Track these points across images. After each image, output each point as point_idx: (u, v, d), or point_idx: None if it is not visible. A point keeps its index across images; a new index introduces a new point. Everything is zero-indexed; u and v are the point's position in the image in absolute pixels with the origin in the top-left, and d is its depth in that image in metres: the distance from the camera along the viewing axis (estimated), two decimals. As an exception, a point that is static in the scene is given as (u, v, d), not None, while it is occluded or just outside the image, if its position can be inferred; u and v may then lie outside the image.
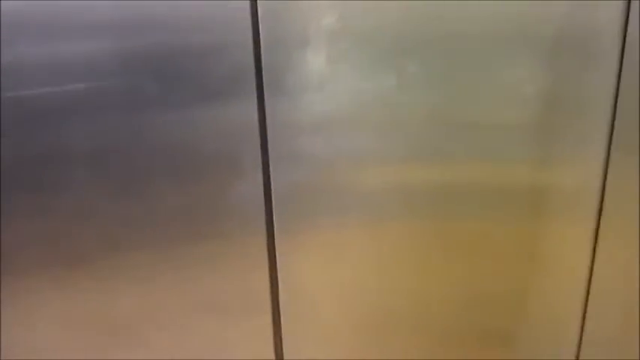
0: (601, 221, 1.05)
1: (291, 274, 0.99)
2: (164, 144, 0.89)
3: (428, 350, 1.09)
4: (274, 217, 0.95)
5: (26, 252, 0.91)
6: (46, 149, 0.86)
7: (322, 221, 0.98)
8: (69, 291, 0.93)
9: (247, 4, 0.83)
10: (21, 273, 0.91)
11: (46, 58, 0.82)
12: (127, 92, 0.85)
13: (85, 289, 0.94)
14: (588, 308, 1.11)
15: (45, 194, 0.88)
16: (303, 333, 1.03)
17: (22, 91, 0.83)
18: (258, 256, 0.96)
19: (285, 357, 1.03)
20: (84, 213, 0.89)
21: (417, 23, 0.89)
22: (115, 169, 0.88)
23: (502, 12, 0.90)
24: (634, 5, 0.90)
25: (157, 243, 0.93)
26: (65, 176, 0.87)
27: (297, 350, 1.03)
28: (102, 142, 0.87)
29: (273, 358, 1.03)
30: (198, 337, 0.99)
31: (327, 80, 0.90)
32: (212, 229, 0.94)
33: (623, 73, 0.95)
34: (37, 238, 0.90)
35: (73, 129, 0.86)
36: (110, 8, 0.81)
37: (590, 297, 1.10)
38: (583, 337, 1.13)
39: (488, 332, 1.11)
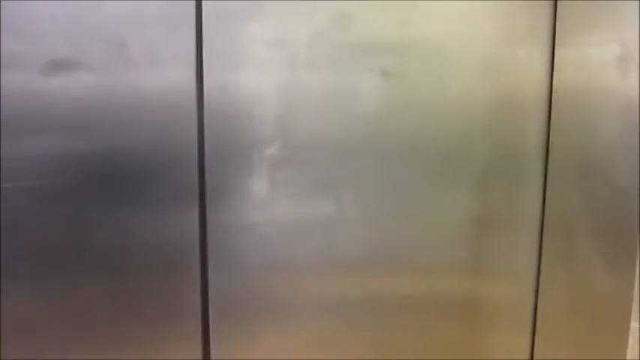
0: (536, 331, 1.08)
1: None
2: (105, 245, 0.90)
3: None
4: (210, 323, 0.96)
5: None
6: None
7: (258, 328, 0.99)
8: None
9: (195, 125, 0.89)
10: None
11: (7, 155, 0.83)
12: (71, 191, 0.87)
13: None
14: None
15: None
16: None
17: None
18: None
19: None
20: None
21: (354, 153, 0.96)
22: (55, 268, 0.89)
23: (434, 141, 0.98)
24: (554, 128, 0.99)
25: (92, 344, 0.92)
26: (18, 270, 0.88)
27: None
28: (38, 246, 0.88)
29: None
30: None
31: (268, 200, 0.95)
32: (150, 333, 0.95)
33: (548, 190, 1.02)
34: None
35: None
36: (60, 109, 0.84)
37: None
38: None
39: None
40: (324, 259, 0.99)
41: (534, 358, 1.10)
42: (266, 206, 0.95)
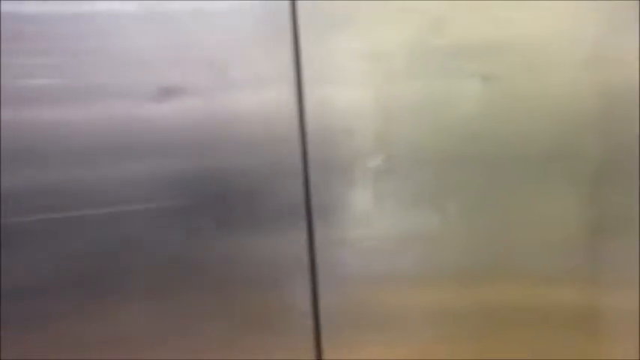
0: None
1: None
2: (211, 270, 0.92)
3: None
4: (321, 337, 0.96)
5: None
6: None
7: (367, 341, 0.98)
8: None
9: (298, 145, 0.90)
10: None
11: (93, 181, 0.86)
12: (182, 212, 0.89)
13: None
14: None
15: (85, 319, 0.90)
16: None
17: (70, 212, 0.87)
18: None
19: None
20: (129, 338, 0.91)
21: (455, 161, 0.95)
22: (163, 288, 0.91)
23: (534, 145, 0.96)
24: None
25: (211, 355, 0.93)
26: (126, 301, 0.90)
27: None
28: (156, 269, 0.91)
29: None
30: None
31: (373, 214, 0.95)
32: (264, 348, 0.95)
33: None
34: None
35: (126, 259, 0.90)
36: (169, 136, 0.87)
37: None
38: None
39: None
40: (430, 270, 0.98)
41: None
42: (370, 219, 0.95)
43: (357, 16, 0.89)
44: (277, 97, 0.88)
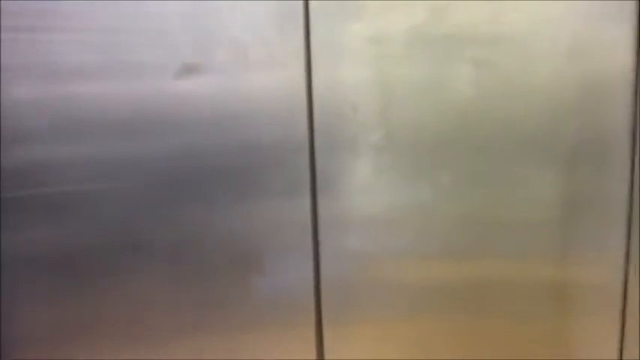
0: (626, 316, 1.10)
1: (337, 362, 1.04)
2: (223, 237, 0.98)
3: None
4: (323, 307, 1.03)
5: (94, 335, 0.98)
6: (117, 238, 0.95)
7: (367, 313, 1.05)
8: None
9: (305, 117, 0.96)
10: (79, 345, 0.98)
11: (117, 154, 0.92)
12: (193, 186, 0.95)
13: None
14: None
15: (112, 279, 0.96)
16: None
17: (93, 186, 0.93)
18: (308, 344, 1.03)
19: None
20: (152, 301, 0.98)
21: (450, 138, 1.01)
22: (177, 259, 0.97)
23: (525, 122, 1.02)
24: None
25: (215, 327, 1.00)
26: (143, 264, 0.97)
27: None
28: (173, 233, 0.97)
29: None
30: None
31: (372, 187, 1.01)
32: (265, 319, 1.01)
33: (635, 170, 1.03)
34: (101, 322, 0.98)
35: (147, 221, 0.96)
36: (185, 113, 0.93)
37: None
38: None
39: None
40: (424, 241, 1.04)
41: (624, 342, 1.11)
42: (371, 191, 1.00)
43: (364, 4, 0.95)
44: (289, 75, 0.94)
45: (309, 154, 0.97)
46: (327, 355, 1.03)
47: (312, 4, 0.94)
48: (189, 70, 0.90)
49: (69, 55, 0.88)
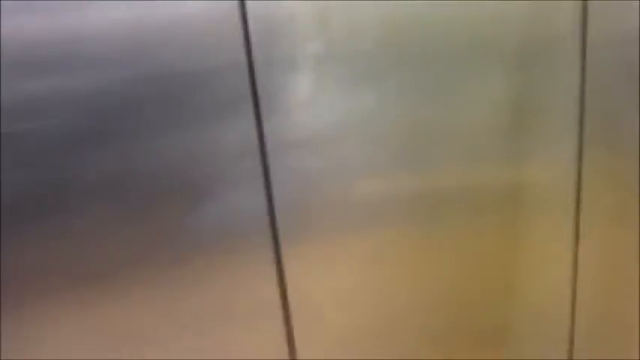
0: (580, 213, 1.12)
1: (298, 281, 1.05)
2: (167, 166, 0.95)
3: (427, 350, 1.15)
4: (278, 228, 1.02)
5: (34, 273, 0.94)
6: (54, 177, 0.91)
7: (322, 230, 1.04)
8: (81, 305, 0.97)
9: (240, 32, 0.91)
10: (27, 291, 0.95)
11: (45, 91, 0.87)
12: (128, 118, 0.91)
13: (97, 304, 0.97)
14: (577, 301, 1.17)
15: (55, 219, 0.93)
16: (313, 336, 1.08)
17: (23, 126, 0.88)
18: (267, 267, 1.02)
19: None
20: (101, 232, 0.95)
21: (393, 44, 0.98)
22: (120, 193, 0.94)
23: (470, 26, 1.00)
24: (591, 9, 0.99)
25: (167, 259, 0.98)
26: (83, 200, 0.93)
27: (310, 353, 1.08)
28: (113, 167, 0.93)
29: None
30: (212, 345, 1.04)
31: (316, 100, 0.98)
32: (221, 244, 1.00)
33: (586, 73, 1.03)
34: (46, 260, 0.94)
35: (78, 157, 0.92)
36: (108, 38, 0.87)
37: (577, 290, 1.17)
38: (574, 334, 1.18)
39: (481, 330, 1.17)
40: (371, 152, 1.03)
41: (579, 237, 1.13)
42: (314, 103, 0.98)
43: None
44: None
45: (247, 71, 0.92)
46: (287, 275, 1.04)
47: None
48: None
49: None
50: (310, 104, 0.98)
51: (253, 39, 0.92)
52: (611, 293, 1.14)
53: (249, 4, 0.90)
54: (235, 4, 0.89)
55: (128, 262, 0.96)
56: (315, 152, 1.00)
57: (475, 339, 1.17)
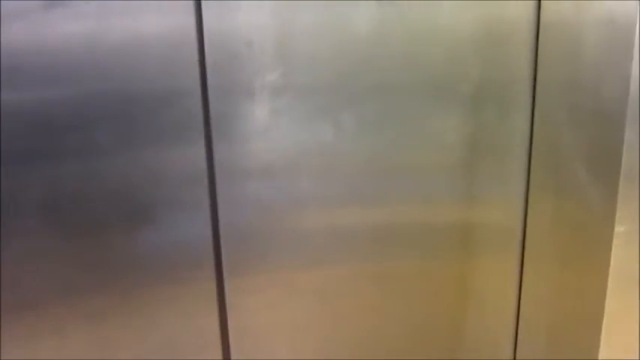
0: (525, 253, 1.13)
1: (240, 314, 1.02)
2: (111, 189, 0.92)
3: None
4: (223, 259, 0.99)
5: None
6: None
7: (269, 262, 1.02)
8: (22, 335, 0.93)
9: (196, 56, 0.89)
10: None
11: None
12: (73, 136, 0.88)
13: (38, 333, 0.94)
14: (519, 338, 1.18)
15: None
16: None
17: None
18: (209, 298, 0.99)
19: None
20: (36, 258, 0.90)
21: (351, 78, 0.98)
22: (67, 215, 0.90)
23: (426, 65, 1.01)
24: (542, 57, 1.02)
25: (109, 287, 0.94)
26: (18, 222, 0.89)
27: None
28: (54, 187, 0.89)
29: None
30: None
31: (271, 130, 0.97)
32: (163, 273, 0.97)
33: (535, 117, 1.05)
34: None
35: (24, 175, 0.88)
36: (63, 55, 0.85)
37: (520, 327, 1.18)
38: (517, 362, 1.20)
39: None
40: (326, 185, 1.02)
41: (523, 276, 1.15)
42: (268, 133, 0.96)
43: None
44: (177, 14, 0.87)
45: (201, 96, 0.90)
46: (229, 307, 1.01)
47: None
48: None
49: None
50: (264, 133, 0.96)
51: (209, 63, 0.90)
52: (553, 331, 1.16)
53: (206, 28, 0.88)
54: (192, 26, 0.88)
55: (62, 291, 0.92)
56: (267, 183, 0.98)
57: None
